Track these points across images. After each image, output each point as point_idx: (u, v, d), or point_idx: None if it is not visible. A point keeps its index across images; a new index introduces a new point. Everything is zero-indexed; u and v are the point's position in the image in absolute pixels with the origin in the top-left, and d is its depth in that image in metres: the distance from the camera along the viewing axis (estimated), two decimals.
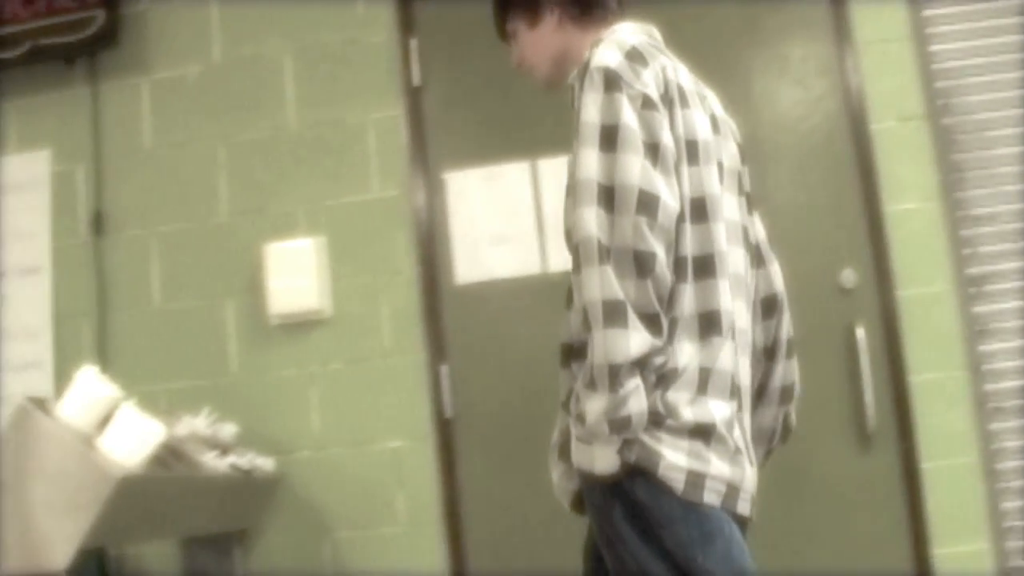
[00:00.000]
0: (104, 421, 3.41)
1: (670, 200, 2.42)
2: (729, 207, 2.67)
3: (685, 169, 2.53)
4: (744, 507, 2.53)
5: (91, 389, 3.41)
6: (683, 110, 2.58)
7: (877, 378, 4.48)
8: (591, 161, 2.42)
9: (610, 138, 2.43)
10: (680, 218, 2.47)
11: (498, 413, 4.67)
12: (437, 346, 4.71)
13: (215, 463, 4.13)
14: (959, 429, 4.44)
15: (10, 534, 3.32)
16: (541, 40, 2.93)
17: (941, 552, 4.39)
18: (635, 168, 2.40)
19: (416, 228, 4.79)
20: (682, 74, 2.69)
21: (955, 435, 4.44)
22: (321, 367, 4.76)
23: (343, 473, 4.71)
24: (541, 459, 4.55)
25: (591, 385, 2.40)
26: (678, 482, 2.41)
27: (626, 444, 2.42)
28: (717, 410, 2.48)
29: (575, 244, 2.43)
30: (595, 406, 2.39)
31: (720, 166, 2.67)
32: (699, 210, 2.54)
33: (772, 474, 4.44)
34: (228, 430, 4.40)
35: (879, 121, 4.60)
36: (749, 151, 4.57)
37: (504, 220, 4.75)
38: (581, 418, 2.44)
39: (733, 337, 2.57)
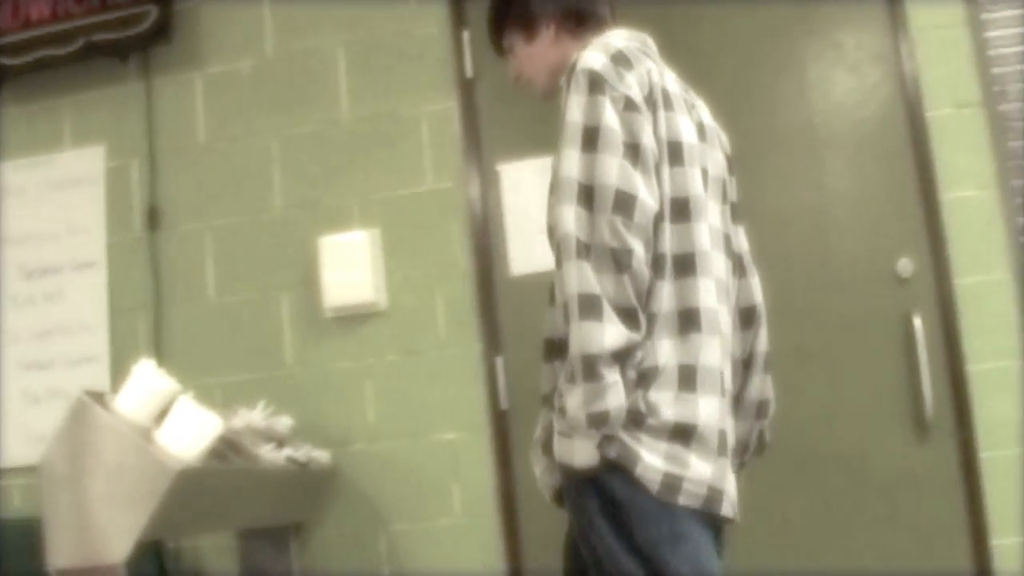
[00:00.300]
0: (161, 414, 3.42)
1: (648, 199, 2.49)
2: (712, 214, 2.72)
3: (667, 169, 2.59)
4: (728, 509, 2.58)
5: (148, 382, 3.42)
6: (667, 112, 2.64)
7: (934, 368, 4.42)
8: (572, 161, 2.51)
9: (591, 139, 2.51)
10: (660, 217, 2.54)
11: None
12: (492, 337, 4.69)
13: (272, 456, 4.14)
14: (1017, 418, 4.38)
15: (69, 527, 3.33)
16: (538, 53, 3.00)
17: (1000, 543, 4.33)
18: (613, 168, 2.48)
19: (470, 220, 4.78)
20: (668, 79, 2.75)
21: (1013, 424, 4.38)
22: (376, 359, 4.76)
23: (398, 465, 4.71)
24: None
25: (571, 379, 2.46)
26: (654, 483, 2.47)
27: (607, 440, 2.48)
28: (704, 408, 2.53)
29: (556, 240, 2.52)
30: (574, 399, 2.45)
31: (704, 172, 2.72)
32: (680, 210, 2.59)
33: (829, 464, 4.44)
34: (284, 423, 4.41)
35: (935, 108, 4.54)
36: (804, 139, 4.61)
37: None
38: (563, 411, 2.50)
39: (719, 336, 2.60)
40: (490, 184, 4.81)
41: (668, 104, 2.65)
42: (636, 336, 2.46)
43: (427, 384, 4.72)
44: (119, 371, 4.91)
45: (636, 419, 2.47)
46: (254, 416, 4.23)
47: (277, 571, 4.62)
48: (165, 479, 3.22)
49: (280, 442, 4.29)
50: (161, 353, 4.90)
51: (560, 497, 2.71)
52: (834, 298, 4.54)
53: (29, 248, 5.35)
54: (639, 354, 2.49)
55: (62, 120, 5.43)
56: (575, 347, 2.44)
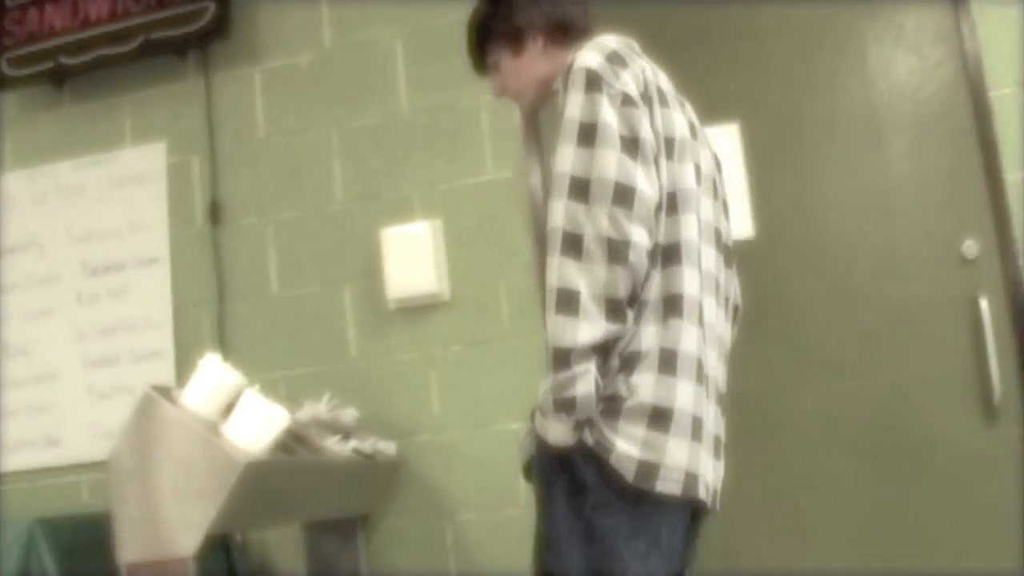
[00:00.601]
0: (228, 408, 3.43)
1: (648, 190, 2.55)
2: (705, 208, 2.78)
3: (664, 163, 2.64)
4: (703, 493, 2.65)
5: (215, 376, 3.43)
6: (662, 109, 2.69)
7: (1001, 350, 4.36)
8: (567, 156, 2.57)
9: (588, 134, 2.56)
10: (658, 208, 2.60)
11: None
12: None
13: (338, 448, 4.14)
14: None
15: (137, 522, 3.35)
16: (527, 67, 3.05)
17: None
18: (611, 162, 2.53)
19: (532, 208, 4.75)
20: (661, 78, 2.80)
21: None
22: (440, 350, 4.75)
23: (464, 456, 4.70)
24: None
25: (547, 366, 2.55)
26: (629, 472, 2.53)
27: (587, 426, 2.56)
28: (681, 393, 2.59)
29: (545, 234, 2.60)
30: (545, 384, 2.55)
31: (697, 167, 2.78)
32: (672, 202, 2.65)
33: (895, 449, 4.40)
34: (349, 415, 4.41)
35: (997, 88, 4.47)
36: (866, 122, 4.57)
37: None
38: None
39: (700, 324, 2.66)
40: (551, 172, 4.77)
41: (663, 101, 2.72)
42: (616, 327, 2.53)
43: (491, 374, 4.71)
44: (184, 366, 4.95)
45: (615, 405, 2.56)
46: (320, 409, 4.24)
47: (344, 563, 4.63)
48: (233, 472, 3.23)
49: (346, 434, 4.29)
50: (225, 348, 4.92)
51: (529, 470, 2.79)
52: (899, 282, 4.49)
53: (93, 246, 5.39)
54: (624, 340, 2.57)
55: (122, 118, 5.46)
56: (550, 338, 2.52)
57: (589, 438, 2.55)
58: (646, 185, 2.54)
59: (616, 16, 4.74)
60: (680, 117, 2.77)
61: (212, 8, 5.14)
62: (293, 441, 3.71)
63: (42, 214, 5.52)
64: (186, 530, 3.29)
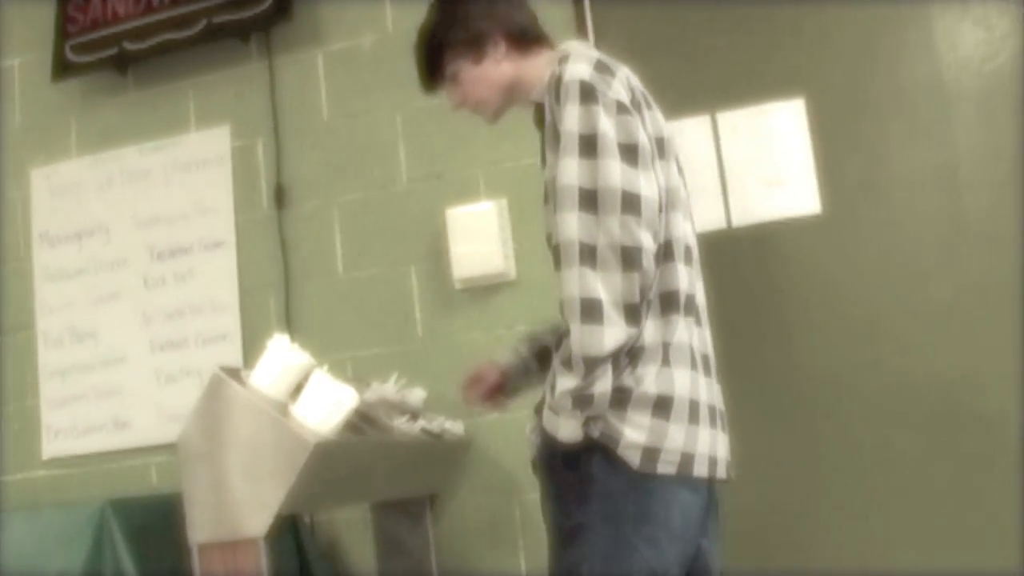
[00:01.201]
0: (297, 389, 3.43)
1: (651, 194, 2.64)
2: (684, 196, 2.91)
3: (659, 164, 2.75)
4: (700, 470, 2.73)
5: (283, 357, 3.43)
6: (649, 111, 2.81)
7: None
8: (571, 168, 2.63)
9: (589, 145, 2.63)
10: (658, 209, 2.70)
11: None
12: None
13: (406, 428, 4.14)
14: None
15: (208, 503, 3.36)
16: (490, 73, 3.06)
17: None
18: (615, 171, 2.61)
19: None
20: (637, 81, 2.89)
21: None
22: (507, 329, 4.72)
23: None
24: (730, 419, 4.51)
25: (567, 365, 2.61)
26: (634, 459, 2.64)
27: (592, 420, 2.66)
28: (679, 380, 2.71)
29: (555, 246, 2.66)
30: (565, 385, 2.61)
31: (677, 161, 2.92)
32: (666, 201, 2.76)
33: (966, 426, 4.35)
34: (417, 395, 4.40)
35: None
36: (932, 96, 4.53)
37: (685, 175, 4.66)
38: (553, 390, 2.67)
39: (693, 314, 2.81)
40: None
41: (648, 103, 2.84)
42: (634, 330, 2.61)
43: None
44: (250, 349, 4.98)
45: (623, 397, 2.66)
46: (387, 389, 4.24)
47: (412, 543, 4.63)
48: (303, 453, 3.23)
49: (414, 414, 4.29)
50: (291, 329, 4.94)
51: (537, 466, 2.88)
52: (967, 257, 4.44)
53: (159, 230, 5.42)
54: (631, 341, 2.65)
55: (186, 102, 5.49)
56: (577, 347, 2.58)
57: (595, 431, 2.66)
58: (649, 190, 2.64)
59: None
60: (661, 115, 2.89)
61: None
62: (361, 421, 3.71)
63: (108, 199, 5.56)
64: (256, 511, 3.30)
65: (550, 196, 2.79)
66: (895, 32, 4.59)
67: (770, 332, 4.56)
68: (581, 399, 2.61)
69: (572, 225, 2.60)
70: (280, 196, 5.20)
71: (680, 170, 2.93)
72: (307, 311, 5.06)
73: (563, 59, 2.77)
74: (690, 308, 2.80)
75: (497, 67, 3.04)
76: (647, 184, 2.64)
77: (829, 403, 4.45)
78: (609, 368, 2.60)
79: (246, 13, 5.20)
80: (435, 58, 3.10)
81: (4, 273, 5.72)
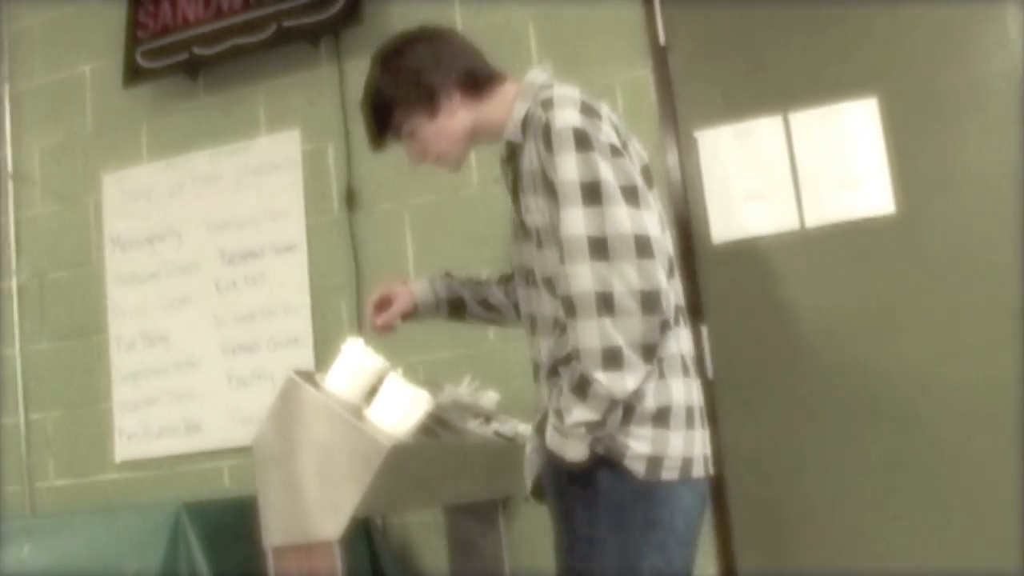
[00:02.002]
0: (371, 392, 3.43)
1: (657, 232, 2.66)
2: (661, 207, 2.89)
3: (647, 193, 2.74)
4: (699, 471, 2.80)
5: (357, 360, 3.43)
6: (630, 143, 2.83)
7: None
8: (577, 218, 2.63)
9: (593, 193, 2.62)
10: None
11: (761, 374, 4.61)
12: (695, 307, 4.62)
13: (479, 431, 4.13)
14: None
15: (282, 506, 3.36)
16: (448, 126, 3.03)
17: None
18: (623, 217, 2.60)
19: (669, 188, 4.72)
20: (615, 116, 2.88)
21: None
22: None
23: None
24: (807, 420, 4.48)
25: (582, 395, 2.64)
26: (640, 470, 2.69)
27: (595, 438, 2.68)
28: (675, 390, 2.76)
29: (568, 296, 2.65)
30: (583, 416, 2.65)
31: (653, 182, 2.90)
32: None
33: None
34: (490, 397, 4.39)
35: None
36: (1008, 91, 4.45)
37: (758, 176, 4.66)
38: (561, 414, 2.68)
39: (678, 321, 2.85)
40: (688, 152, 4.76)
41: (627, 134, 2.85)
42: (650, 366, 2.67)
43: None
44: (322, 352, 5.00)
45: (626, 412, 2.69)
46: (460, 391, 4.23)
47: (485, 546, 4.62)
48: (378, 456, 3.23)
49: (487, 417, 4.28)
50: (363, 332, 4.93)
51: (538, 489, 2.97)
52: None
53: (230, 234, 5.46)
54: None
55: (257, 107, 5.52)
56: (604, 391, 2.61)
57: (600, 448, 2.69)
58: (655, 228, 2.66)
59: None
60: (637, 143, 2.90)
61: None
62: (435, 424, 3.70)
63: (180, 204, 5.60)
64: (331, 514, 3.30)
65: (519, 234, 2.94)
66: (968, 28, 4.54)
67: (845, 332, 4.52)
68: (594, 426, 2.65)
69: (586, 276, 2.60)
70: (351, 199, 5.21)
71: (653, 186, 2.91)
72: None
73: (546, 104, 2.75)
74: (676, 316, 2.84)
75: (453, 118, 3.01)
76: (652, 223, 2.66)
77: (905, 405, 4.41)
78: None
79: (316, 17, 5.22)
80: (385, 118, 3.05)
81: (77, 278, 5.76)
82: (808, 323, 4.57)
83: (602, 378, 2.59)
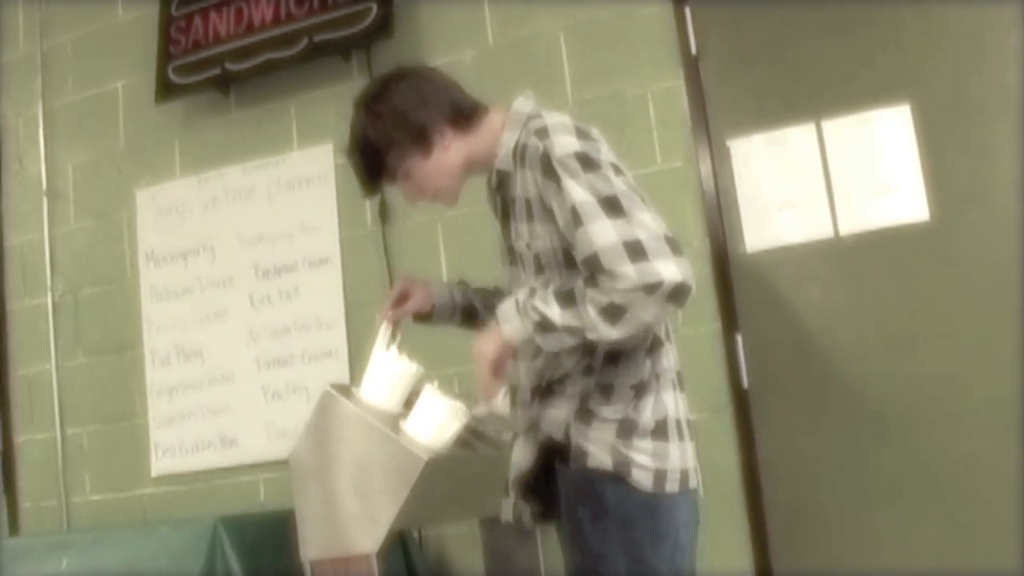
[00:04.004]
0: (407, 404, 3.43)
1: (672, 232, 2.65)
2: None
3: None
4: (694, 482, 2.87)
5: (392, 369, 3.43)
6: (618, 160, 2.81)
7: None
8: (606, 228, 2.60)
9: (614, 205, 2.61)
10: None
11: (796, 382, 4.59)
12: (730, 316, 4.63)
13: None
14: None
15: (320, 519, 3.36)
16: (442, 162, 3.00)
17: None
18: (650, 220, 2.61)
19: (702, 197, 4.72)
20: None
21: None
22: None
23: None
24: (841, 428, 4.46)
25: (564, 299, 2.67)
26: (647, 484, 2.75)
27: (607, 450, 2.76)
28: (668, 403, 2.84)
29: (611, 304, 2.59)
30: (547, 310, 2.68)
31: None
32: None
33: None
34: None
35: None
36: None
37: (791, 184, 4.64)
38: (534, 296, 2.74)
39: (671, 340, 2.96)
40: (721, 160, 4.75)
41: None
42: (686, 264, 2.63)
43: None
44: (357, 365, 4.99)
45: (628, 428, 2.77)
46: (496, 403, 4.22)
47: (521, 559, 4.61)
48: (415, 469, 3.22)
49: None
50: (398, 345, 4.93)
51: (521, 483, 3.09)
52: None
53: (264, 248, 5.47)
54: (632, 372, 2.80)
55: (289, 121, 5.53)
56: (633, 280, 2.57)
57: (608, 462, 2.75)
58: (671, 229, 2.65)
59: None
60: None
61: (375, 8, 5.17)
62: (471, 436, 3.70)
63: (213, 218, 5.62)
64: (368, 527, 3.30)
65: (508, 259, 3.02)
66: (1000, 33, 4.52)
67: (879, 340, 4.51)
68: (548, 327, 2.68)
69: (629, 274, 2.56)
70: (384, 212, 5.22)
71: None
72: (413, 326, 5.03)
73: (540, 132, 2.75)
74: (667, 332, 2.94)
75: (447, 153, 2.99)
76: (667, 224, 2.65)
77: (939, 411, 4.40)
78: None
79: (347, 31, 5.23)
80: (377, 162, 3.03)
81: (112, 293, 5.78)
82: (842, 331, 4.56)
83: (630, 270, 2.55)
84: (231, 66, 5.46)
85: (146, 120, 5.81)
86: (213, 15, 5.56)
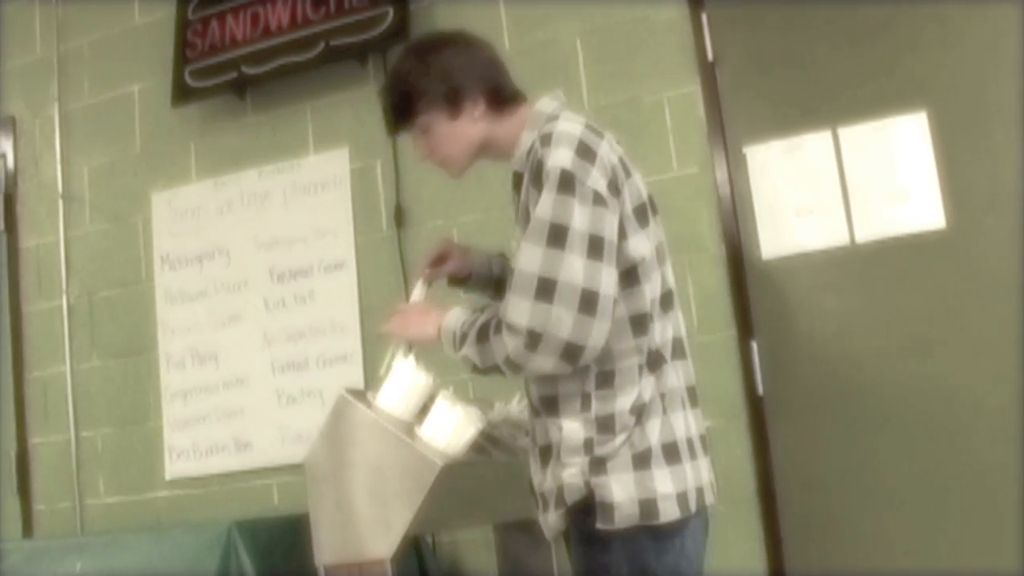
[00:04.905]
0: (422, 410, 3.43)
1: (610, 290, 2.63)
2: (665, 246, 2.93)
3: (641, 232, 2.76)
4: (709, 498, 2.85)
5: (408, 378, 3.43)
6: (628, 180, 2.78)
7: None
8: (536, 255, 2.62)
9: (558, 237, 2.61)
10: (647, 270, 2.76)
11: (811, 389, 4.58)
12: (745, 322, 4.63)
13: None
14: None
15: (334, 524, 3.36)
16: (463, 131, 2.99)
17: None
18: (578, 269, 2.59)
19: (718, 204, 4.72)
20: (614, 141, 2.87)
21: None
22: None
23: None
24: (856, 435, 4.45)
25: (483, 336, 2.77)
26: (673, 514, 2.70)
27: (622, 481, 2.70)
28: (676, 424, 2.78)
29: (506, 321, 2.66)
30: (469, 350, 2.87)
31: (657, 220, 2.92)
32: (651, 264, 2.79)
33: None
34: None
35: None
36: None
37: (808, 191, 4.64)
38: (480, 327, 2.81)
39: (676, 355, 2.86)
40: (737, 167, 4.74)
41: (627, 171, 2.80)
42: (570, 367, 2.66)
43: None
44: (371, 369, 4.99)
45: (645, 457, 2.71)
46: (511, 408, 4.22)
47: (535, 564, 4.60)
48: (430, 474, 3.22)
49: None
50: (413, 350, 4.93)
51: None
52: None
53: (279, 252, 5.48)
54: (630, 395, 2.73)
55: (305, 125, 5.54)
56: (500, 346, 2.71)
57: (636, 513, 2.68)
58: (608, 286, 2.63)
59: (798, 3, 4.71)
60: (639, 176, 2.86)
61: (391, 13, 5.18)
62: (486, 441, 3.70)
63: (229, 222, 5.62)
64: (383, 532, 3.30)
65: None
66: (1017, 41, 4.51)
67: (894, 347, 4.50)
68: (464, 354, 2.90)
69: (525, 310, 2.60)
70: (399, 217, 5.22)
71: (657, 221, 2.93)
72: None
73: (544, 139, 2.74)
74: (675, 351, 2.85)
75: (472, 126, 2.98)
76: (608, 281, 2.63)
77: (955, 419, 4.39)
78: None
79: (364, 35, 5.24)
80: (408, 106, 3.00)
81: (127, 296, 5.79)
82: (857, 338, 4.55)
83: (527, 306, 2.60)
84: (247, 70, 5.46)
85: (162, 123, 5.82)
86: (230, 19, 5.57)
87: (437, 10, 5.27)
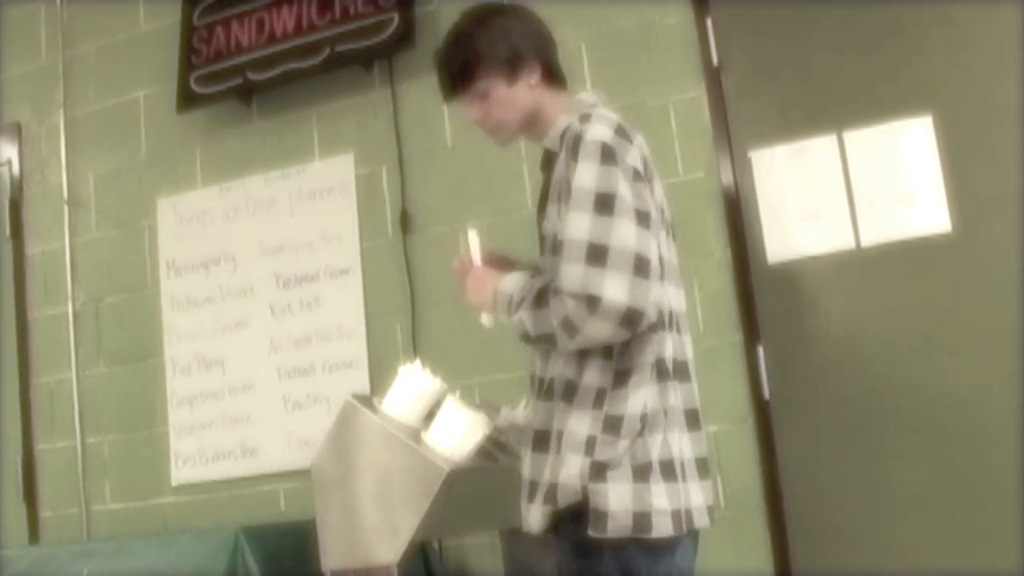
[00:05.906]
0: (428, 415, 3.43)
1: (656, 262, 2.67)
2: (675, 263, 2.93)
3: (661, 234, 2.79)
4: (703, 520, 2.82)
5: (415, 384, 3.43)
6: (652, 182, 2.80)
7: None
8: (583, 222, 2.64)
9: (606, 205, 2.63)
10: (664, 273, 2.77)
11: (818, 393, 4.57)
12: (751, 327, 4.63)
13: None
14: None
15: (341, 530, 3.37)
16: (520, 97, 3.00)
17: None
18: (631, 233, 2.62)
19: (724, 208, 4.71)
20: (644, 144, 2.87)
21: None
22: None
23: None
24: (863, 440, 4.45)
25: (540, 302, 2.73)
26: (667, 530, 2.69)
27: (622, 493, 2.68)
28: (674, 443, 2.77)
29: (566, 318, 2.64)
30: (526, 316, 2.78)
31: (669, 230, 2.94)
32: (667, 271, 2.82)
33: None
34: None
35: None
36: None
37: (813, 195, 4.63)
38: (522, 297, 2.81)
39: (680, 376, 2.84)
40: (742, 171, 4.74)
41: (653, 172, 2.84)
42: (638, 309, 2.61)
43: None
44: (377, 375, 5.00)
45: (645, 470, 2.69)
46: (517, 414, 4.22)
47: (542, 570, 4.60)
48: (437, 480, 3.24)
49: None
50: (418, 355, 4.93)
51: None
52: None
53: (285, 258, 5.47)
54: (634, 404, 2.71)
55: (311, 131, 5.54)
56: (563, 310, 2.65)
57: (629, 525, 2.66)
58: (656, 257, 2.67)
59: (803, 7, 4.71)
60: (660, 189, 2.88)
61: (397, 18, 5.18)
62: (492, 446, 3.70)
63: (234, 228, 5.62)
64: (389, 538, 3.31)
65: (542, 250, 2.89)
66: (1022, 44, 4.50)
67: (900, 351, 4.49)
68: (518, 318, 2.82)
69: (577, 276, 2.61)
70: (405, 222, 5.22)
71: (671, 236, 2.95)
72: (434, 337, 5.07)
73: (584, 117, 2.77)
74: (678, 372, 2.83)
75: (528, 92, 3.00)
76: (654, 251, 2.67)
77: (960, 422, 4.38)
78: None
79: (369, 41, 5.24)
80: (468, 69, 3.00)
81: (133, 302, 5.79)
82: (863, 342, 4.54)
83: (579, 271, 2.61)
84: (253, 76, 5.47)
85: (168, 129, 5.82)
86: (235, 25, 5.57)
87: (442, 15, 5.25)
